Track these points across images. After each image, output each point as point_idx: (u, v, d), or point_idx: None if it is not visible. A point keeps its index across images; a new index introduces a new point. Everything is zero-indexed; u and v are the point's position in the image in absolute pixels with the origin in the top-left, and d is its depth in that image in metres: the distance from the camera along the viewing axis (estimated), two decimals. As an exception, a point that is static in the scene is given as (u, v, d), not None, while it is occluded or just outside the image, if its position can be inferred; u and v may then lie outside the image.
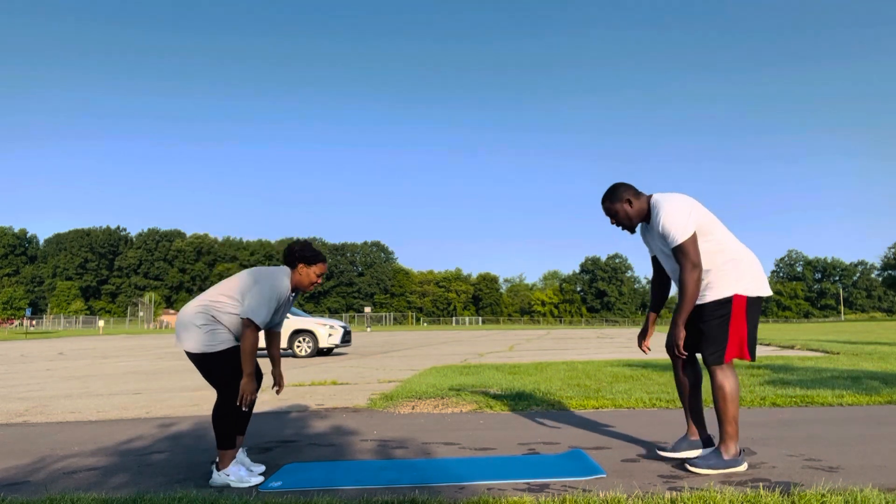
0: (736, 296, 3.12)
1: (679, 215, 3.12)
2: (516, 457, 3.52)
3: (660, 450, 3.42)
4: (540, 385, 6.67)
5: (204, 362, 3.15)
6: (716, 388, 3.13)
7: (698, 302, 3.19)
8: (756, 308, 3.19)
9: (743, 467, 3.10)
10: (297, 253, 3.26)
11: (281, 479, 3.11)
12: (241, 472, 3.10)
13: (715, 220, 3.22)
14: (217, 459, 3.16)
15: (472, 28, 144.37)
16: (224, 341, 3.15)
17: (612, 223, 3.37)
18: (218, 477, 3.10)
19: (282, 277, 3.21)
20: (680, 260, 3.12)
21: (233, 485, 3.04)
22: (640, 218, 3.31)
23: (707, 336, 3.16)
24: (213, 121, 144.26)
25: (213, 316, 3.15)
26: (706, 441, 3.34)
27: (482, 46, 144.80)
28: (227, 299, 3.16)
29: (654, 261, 3.49)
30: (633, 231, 3.38)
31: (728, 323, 3.12)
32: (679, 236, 3.09)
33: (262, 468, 3.25)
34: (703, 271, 3.15)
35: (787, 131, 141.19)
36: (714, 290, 3.15)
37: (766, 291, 3.20)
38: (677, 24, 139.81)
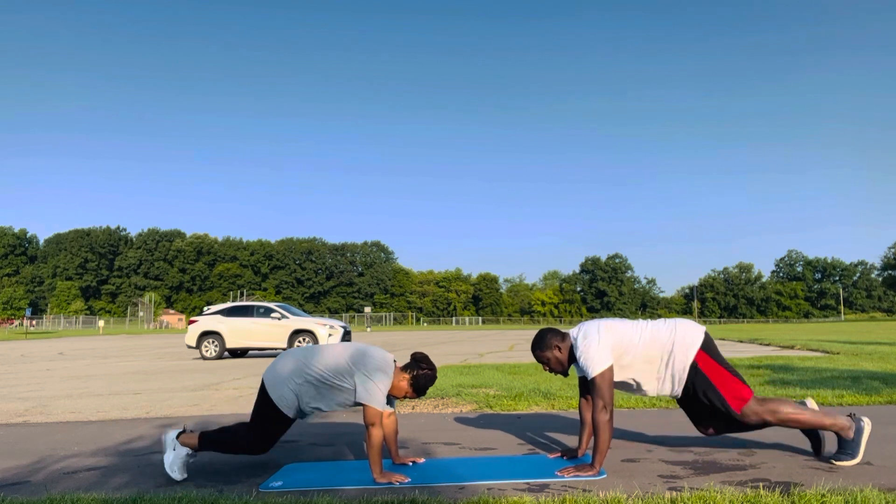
0: (695, 358, 3.22)
1: (591, 348, 3.17)
2: (516, 457, 3.52)
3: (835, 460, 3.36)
4: (540, 385, 6.66)
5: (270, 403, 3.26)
6: (785, 422, 3.21)
7: (683, 385, 3.25)
8: (712, 346, 3.29)
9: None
10: (420, 371, 3.25)
11: (281, 479, 3.11)
12: (178, 463, 3.17)
13: (632, 330, 3.29)
14: (186, 430, 3.29)
15: (471, 29, 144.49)
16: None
17: (546, 370, 3.39)
18: (171, 441, 3.21)
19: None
20: (593, 396, 3.12)
21: (166, 459, 3.17)
22: (572, 359, 3.33)
23: (710, 403, 3.23)
24: (214, 121, 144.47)
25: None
26: (818, 438, 3.35)
27: (481, 47, 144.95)
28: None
29: (582, 381, 3.45)
30: (566, 374, 3.41)
31: (711, 379, 3.20)
32: (592, 369, 3.13)
33: (185, 475, 3.20)
34: (664, 374, 3.25)
35: (788, 131, 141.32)
36: (678, 372, 3.23)
37: (701, 329, 3.31)
38: (679, 26, 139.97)
